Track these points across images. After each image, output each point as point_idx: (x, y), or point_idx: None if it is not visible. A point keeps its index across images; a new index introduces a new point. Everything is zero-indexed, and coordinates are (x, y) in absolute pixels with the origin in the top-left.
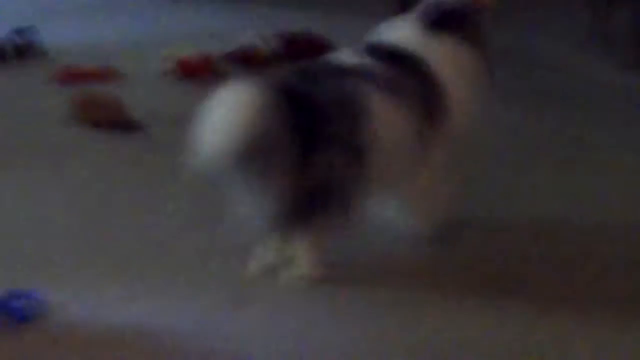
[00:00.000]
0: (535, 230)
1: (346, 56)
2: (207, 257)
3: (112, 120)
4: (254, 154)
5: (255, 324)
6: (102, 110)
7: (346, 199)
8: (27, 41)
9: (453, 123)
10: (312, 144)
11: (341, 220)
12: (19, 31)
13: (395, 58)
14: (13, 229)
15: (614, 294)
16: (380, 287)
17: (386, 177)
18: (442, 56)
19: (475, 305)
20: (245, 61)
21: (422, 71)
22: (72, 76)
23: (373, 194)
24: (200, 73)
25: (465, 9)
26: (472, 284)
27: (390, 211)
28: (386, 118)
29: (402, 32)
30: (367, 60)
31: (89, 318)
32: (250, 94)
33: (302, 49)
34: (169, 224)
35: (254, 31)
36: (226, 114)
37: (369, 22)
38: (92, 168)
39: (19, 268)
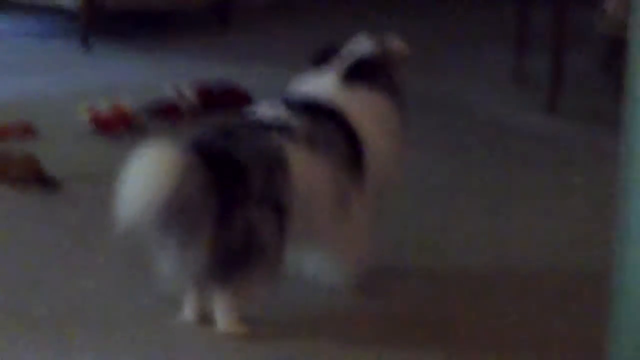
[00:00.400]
0: (462, 277)
1: (264, 109)
2: (136, 310)
3: (26, 177)
4: (174, 215)
5: None
6: (16, 167)
7: (267, 254)
8: None
9: (373, 173)
10: (230, 201)
11: (262, 275)
12: None
13: (313, 111)
14: None
15: (539, 339)
16: (299, 338)
17: (307, 230)
18: (359, 107)
19: (394, 356)
20: (163, 114)
21: (340, 123)
22: None
23: (294, 247)
24: (117, 127)
25: (379, 59)
26: (392, 333)
27: (310, 262)
28: (304, 171)
29: (319, 84)
30: (284, 114)
31: None
32: (170, 155)
33: (220, 100)
34: (90, 282)
35: (171, 83)
36: (146, 175)
37: (287, 73)
38: (10, 226)
39: None
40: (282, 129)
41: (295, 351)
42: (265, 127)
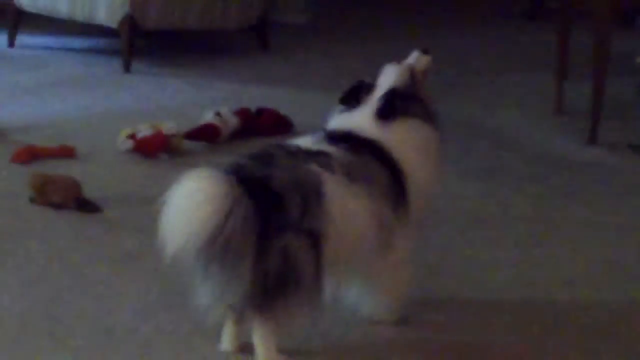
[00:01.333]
0: (499, 307)
1: (304, 142)
2: (173, 339)
3: (66, 200)
4: (218, 246)
5: None
6: (56, 190)
7: (304, 283)
8: None
9: (415, 204)
10: (269, 230)
11: (301, 304)
12: None
13: (352, 142)
14: None
15: None
16: None
17: (346, 262)
18: (398, 138)
19: None
20: (203, 138)
21: (379, 154)
22: (30, 155)
23: (334, 279)
24: (157, 150)
25: (409, 87)
26: None
27: (350, 293)
28: (342, 202)
29: (357, 119)
30: (324, 146)
31: None
32: (215, 185)
33: (261, 125)
34: (127, 312)
35: (213, 108)
36: (191, 204)
37: (326, 96)
38: (51, 250)
39: None
40: (322, 160)
41: None
42: (305, 157)
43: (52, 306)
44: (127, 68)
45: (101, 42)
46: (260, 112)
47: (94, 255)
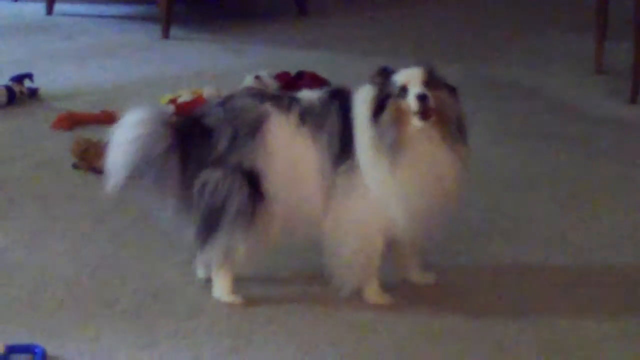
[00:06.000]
0: (542, 266)
1: (308, 93)
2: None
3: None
4: (145, 173)
5: None
6: (102, 157)
7: (231, 217)
8: (25, 88)
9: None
10: (191, 160)
11: (239, 238)
12: (17, 78)
13: (330, 94)
14: (13, 279)
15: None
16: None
17: (288, 205)
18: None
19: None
20: None
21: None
22: (71, 122)
23: (287, 226)
24: None
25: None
26: (465, 331)
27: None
28: (283, 141)
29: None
30: (307, 94)
31: None
32: (140, 114)
33: (300, 88)
34: (174, 273)
35: (253, 72)
36: (121, 138)
37: (364, 60)
38: (95, 215)
39: (19, 321)
40: (281, 101)
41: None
42: (263, 98)
43: (98, 270)
44: (165, 34)
45: (139, 9)
46: (300, 75)
47: (137, 219)
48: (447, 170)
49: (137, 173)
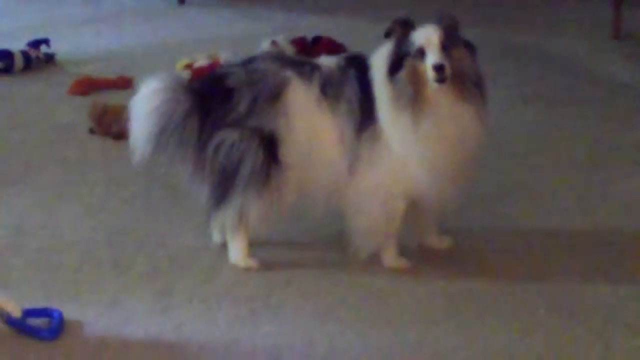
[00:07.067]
0: (558, 231)
1: (327, 59)
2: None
3: (124, 129)
4: (165, 136)
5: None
6: (119, 121)
7: (245, 179)
8: (42, 53)
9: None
10: (209, 122)
11: (254, 205)
12: (34, 43)
13: (348, 61)
14: (31, 243)
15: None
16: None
17: (308, 172)
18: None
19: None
20: None
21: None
22: (88, 86)
23: (305, 192)
24: None
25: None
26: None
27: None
28: (303, 108)
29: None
30: (327, 60)
31: (116, 333)
32: (156, 83)
33: (319, 54)
34: (189, 237)
35: (269, 37)
36: (141, 104)
37: (380, 26)
38: (111, 180)
39: (36, 285)
40: (303, 68)
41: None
42: (285, 63)
43: (114, 235)
44: (181, 0)
45: None
46: (317, 40)
47: (152, 184)
48: (468, 129)
49: (160, 144)
